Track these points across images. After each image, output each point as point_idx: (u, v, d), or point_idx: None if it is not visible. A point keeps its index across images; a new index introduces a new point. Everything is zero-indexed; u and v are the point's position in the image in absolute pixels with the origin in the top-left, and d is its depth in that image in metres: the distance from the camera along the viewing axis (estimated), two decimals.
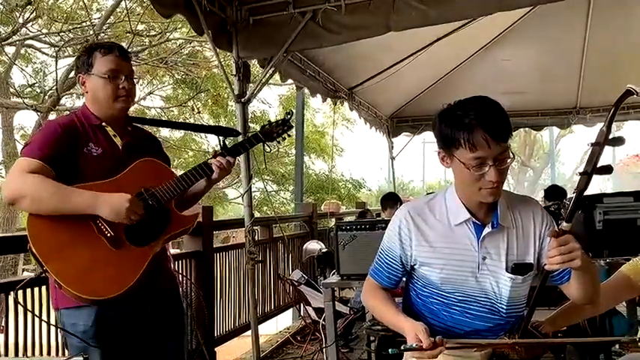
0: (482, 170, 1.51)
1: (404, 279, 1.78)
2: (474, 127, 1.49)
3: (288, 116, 2.16)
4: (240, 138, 2.71)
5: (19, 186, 1.71)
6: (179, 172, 1.99)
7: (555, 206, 4.76)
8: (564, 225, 1.47)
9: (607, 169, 1.47)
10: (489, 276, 1.63)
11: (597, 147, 1.44)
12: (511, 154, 1.54)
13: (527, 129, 10.19)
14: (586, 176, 1.46)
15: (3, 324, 2.45)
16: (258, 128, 2.26)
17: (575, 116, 7.78)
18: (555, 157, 26.79)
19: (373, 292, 1.76)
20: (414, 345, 1.46)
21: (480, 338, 1.65)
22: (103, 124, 1.90)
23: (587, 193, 1.57)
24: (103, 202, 1.73)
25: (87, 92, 1.90)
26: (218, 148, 2.08)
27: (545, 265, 1.51)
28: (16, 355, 2.35)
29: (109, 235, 1.76)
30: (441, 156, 1.61)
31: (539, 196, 6.61)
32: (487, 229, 1.62)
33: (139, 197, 1.81)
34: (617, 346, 2.52)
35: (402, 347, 1.47)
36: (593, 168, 1.44)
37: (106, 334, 1.78)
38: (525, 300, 1.71)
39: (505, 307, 1.64)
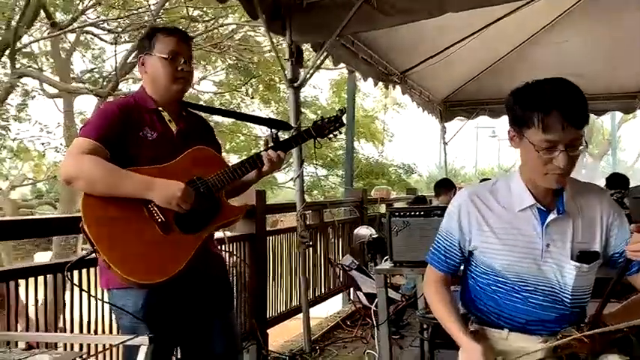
0: (552, 154, 1.45)
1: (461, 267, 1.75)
2: (551, 109, 1.43)
3: (341, 114, 2.14)
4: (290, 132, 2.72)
5: (75, 166, 1.74)
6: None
7: (618, 194, 4.57)
8: None
9: None
10: (553, 264, 1.58)
11: None
12: (584, 142, 1.48)
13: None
14: None
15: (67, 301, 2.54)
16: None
17: None
18: (616, 143, 25.63)
19: (435, 288, 1.73)
20: None
21: (543, 328, 1.61)
22: (160, 108, 1.92)
23: None
24: (156, 187, 1.75)
25: (146, 73, 1.93)
26: (269, 137, 2.07)
27: (621, 254, 1.48)
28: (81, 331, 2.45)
29: (159, 220, 1.77)
30: (511, 135, 1.56)
31: (600, 184, 6.34)
32: (552, 216, 1.57)
33: (191, 185, 1.82)
34: None
35: None
36: None
37: (155, 315, 1.81)
38: (590, 290, 1.65)
39: (569, 297, 1.59)
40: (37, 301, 2.31)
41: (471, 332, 1.66)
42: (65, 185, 1.82)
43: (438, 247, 1.73)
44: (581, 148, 1.48)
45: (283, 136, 2.19)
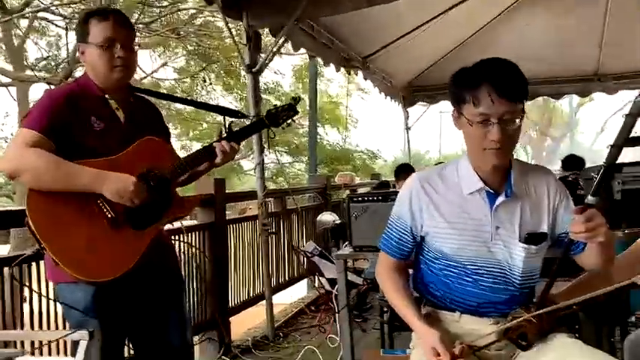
0: (486, 128, 1.48)
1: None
2: (480, 83, 1.48)
3: (295, 101, 2.11)
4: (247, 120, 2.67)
5: (19, 160, 1.66)
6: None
7: (573, 176, 4.68)
8: (590, 199, 1.42)
9: (638, 140, 1.41)
10: (502, 246, 1.59)
11: (630, 118, 1.37)
12: (520, 116, 1.50)
13: (546, 97, 9.95)
14: (616, 149, 1.40)
15: (26, 294, 2.47)
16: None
17: (597, 83, 7.59)
18: (574, 126, 26.33)
19: (388, 275, 1.72)
20: None
21: (494, 310, 1.63)
22: (106, 96, 1.84)
23: None
24: (107, 181, 1.70)
25: (85, 61, 1.84)
26: (224, 127, 2.02)
27: (567, 234, 1.49)
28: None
29: (109, 215, 1.72)
30: (454, 116, 1.59)
31: (557, 165, 6.49)
32: (501, 199, 1.58)
33: (142, 178, 1.77)
34: (633, 318, 2.48)
35: None
36: (624, 140, 1.38)
37: (106, 308, 1.76)
38: (539, 271, 1.68)
39: (519, 278, 1.61)
40: None
41: (424, 315, 1.67)
42: (9, 179, 1.74)
43: (390, 233, 1.72)
44: (517, 121, 1.50)
45: (246, 122, 2.16)
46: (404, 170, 4.71)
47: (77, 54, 1.89)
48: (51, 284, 1.92)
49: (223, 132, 1.99)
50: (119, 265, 1.71)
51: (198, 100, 12.72)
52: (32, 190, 1.67)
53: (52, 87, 8.52)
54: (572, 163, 5.17)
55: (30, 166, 1.65)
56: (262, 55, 4.00)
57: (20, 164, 1.66)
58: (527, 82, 1.52)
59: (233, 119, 2.10)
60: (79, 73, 10.66)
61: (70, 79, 8.50)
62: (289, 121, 2.12)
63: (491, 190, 1.59)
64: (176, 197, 1.90)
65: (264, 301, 4.16)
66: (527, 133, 29.17)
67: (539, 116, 27.65)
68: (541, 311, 1.55)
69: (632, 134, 1.39)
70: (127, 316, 1.85)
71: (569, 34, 6.41)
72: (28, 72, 10.75)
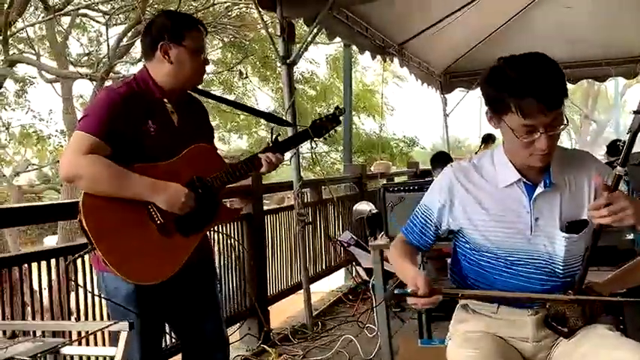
0: (532, 137, 1.42)
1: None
2: (526, 94, 1.38)
3: (338, 112, 2.12)
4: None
5: (76, 166, 1.71)
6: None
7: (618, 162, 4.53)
8: (619, 169, 1.35)
9: None
10: (543, 237, 1.55)
11: None
12: (565, 120, 1.44)
13: (590, 80, 9.61)
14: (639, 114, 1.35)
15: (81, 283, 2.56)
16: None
17: None
18: (621, 108, 25.32)
19: (397, 246, 1.72)
20: (408, 290, 1.47)
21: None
22: (165, 100, 1.88)
23: None
24: (160, 191, 1.75)
25: (170, 63, 1.85)
26: (271, 138, 2.06)
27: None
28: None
29: (159, 222, 1.78)
30: (489, 116, 1.52)
31: (602, 151, 6.27)
32: (539, 189, 1.54)
33: (190, 185, 1.83)
34: None
35: (395, 291, 1.50)
36: None
37: (146, 298, 1.82)
38: (581, 258, 1.62)
39: (561, 267, 1.56)
40: (40, 285, 2.35)
41: (460, 307, 1.68)
42: (67, 183, 1.82)
43: (415, 221, 1.70)
44: (561, 127, 1.44)
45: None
46: (440, 159, 4.66)
47: (158, 52, 1.84)
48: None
49: (269, 142, 2.02)
50: (165, 270, 1.79)
51: (244, 103, 12.97)
52: (87, 193, 1.73)
53: (94, 82, 8.70)
54: (617, 148, 5.00)
55: (86, 173, 1.71)
56: (297, 46, 4.00)
57: (77, 171, 1.72)
58: (566, 82, 1.45)
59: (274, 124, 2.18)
60: (118, 68, 10.91)
61: (111, 73, 8.69)
62: (331, 132, 2.15)
63: (528, 182, 1.55)
64: (221, 205, 1.99)
65: (302, 290, 4.20)
66: (571, 118, 28.31)
67: (583, 100, 26.75)
68: (580, 297, 1.51)
69: None
70: (165, 307, 1.91)
71: (613, 15, 6.16)
72: (71, 68, 11.06)
